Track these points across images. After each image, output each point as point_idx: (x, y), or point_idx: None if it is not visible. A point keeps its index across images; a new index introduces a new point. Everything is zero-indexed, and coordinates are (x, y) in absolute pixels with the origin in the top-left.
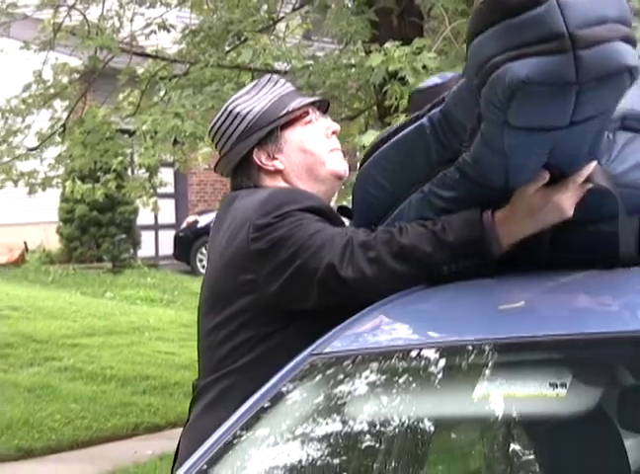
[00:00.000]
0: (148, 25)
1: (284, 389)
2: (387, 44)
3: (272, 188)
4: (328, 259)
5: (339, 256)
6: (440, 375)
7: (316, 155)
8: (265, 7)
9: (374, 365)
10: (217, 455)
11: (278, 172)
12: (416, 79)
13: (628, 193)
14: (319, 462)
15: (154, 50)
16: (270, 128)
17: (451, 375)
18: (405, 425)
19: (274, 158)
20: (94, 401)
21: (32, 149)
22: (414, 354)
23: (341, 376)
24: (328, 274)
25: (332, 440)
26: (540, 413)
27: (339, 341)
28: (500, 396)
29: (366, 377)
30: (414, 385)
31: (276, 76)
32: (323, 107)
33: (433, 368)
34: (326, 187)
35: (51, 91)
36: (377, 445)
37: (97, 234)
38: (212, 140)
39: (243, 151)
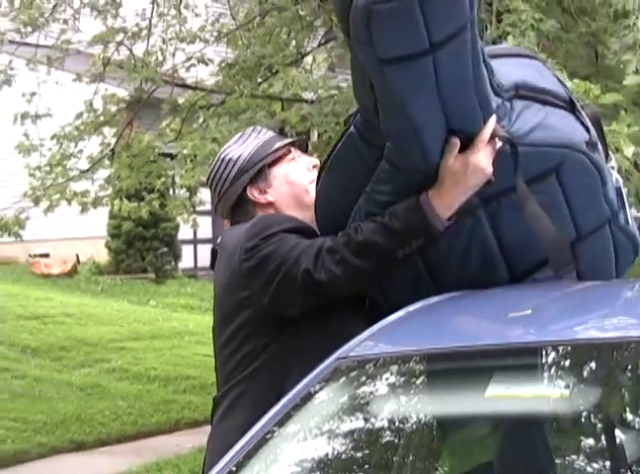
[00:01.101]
0: (188, 59)
1: (313, 390)
2: None
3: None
4: (304, 266)
5: (312, 263)
6: (454, 378)
7: (300, 185)
8: (293, 43)
9: (396, 368)
10: (252, 451)
11: (270, 204)
12: None
13: (529, 151)
14: (343, 456)
15: (194, 82)
16: (259, 167)
17: (465, 378)
18: (423, 424)
19: (265, 192)
20: (139, 399)
21: (84, 171)
22: (433, 358)
23: (364, 378)
24: (305, 279)
25: (355, 437)
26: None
27: (363, 345)
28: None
29: (388, 379)
30: (434, 387)
31: (259, 126)
32: (303, 146)
33: (450, 371)
34: (311, 212)
35: (101, 119)
36: (398, 442)
37: (142, 248)
38: (210, 187)
39: (238, 190)
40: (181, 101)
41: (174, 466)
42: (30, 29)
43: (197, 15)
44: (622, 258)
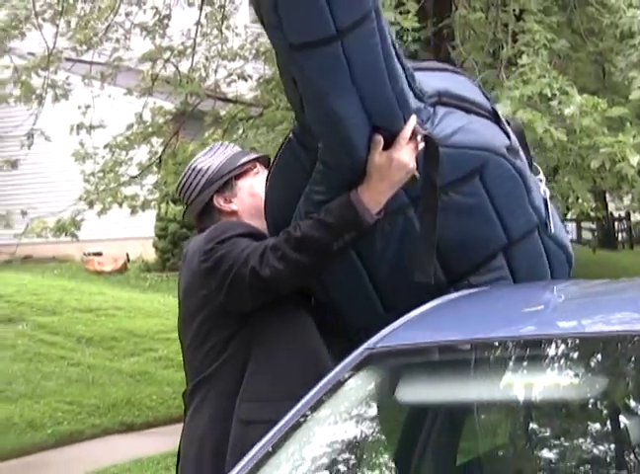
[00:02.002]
0: (230, 75)
1: (342, 378)
2: None
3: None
4: (251, 265)
5: (258, 261)
6: (474, 367)
7: (262, 197)
8: None
9: (420, 358)
10: (288, 433)
11: (233, 212)
12: None
13: (452, 153)
14: (370, 440)
15: (234, 96)
16: (226, 178)
17: (484, 367)
18: (445, 409)
19: (230, 202)
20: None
21: (133, 177)
22: (458, 348)
23: (391, 367)
24: (252, 277)
25: (382, 422)
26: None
27: (391, 337)
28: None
29: (413, 368)
30: (456, 375)
31: (226, 142)
32: (265, 162)
33: (469, 361)
34: None
35: (150, 130)
36: (422, 427)
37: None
38: (179, 194)
39: (205, 198)
40: (222, 113)
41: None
42: (85, 47)
43: (237, 35)
44: (557, 270)
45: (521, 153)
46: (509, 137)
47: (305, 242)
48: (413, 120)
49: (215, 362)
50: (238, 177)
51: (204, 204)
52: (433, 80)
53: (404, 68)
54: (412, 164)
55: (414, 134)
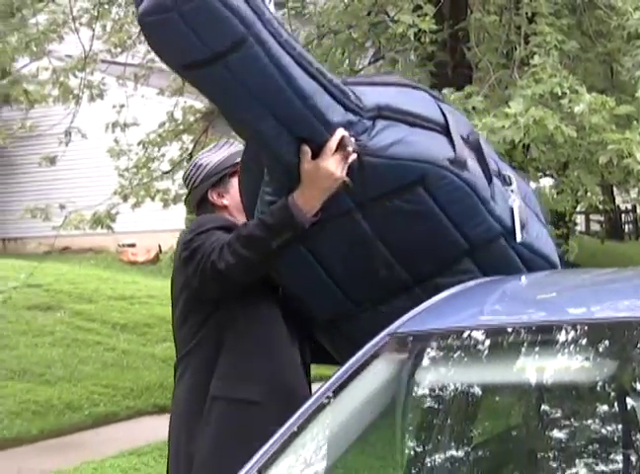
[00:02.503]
0: None
1: (364, 362)
2: (444, 90)
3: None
4: (212, 258)
5: (217, 255)
6: (490, 351)
7: None
8: (347, 62)
9: (439, 343)
10: (311, 415)
11: (224, 207)
12: (467, 118)
13: (390, 163)
14: (390, 421)
15: None
16: (222, 175)
17: (497, 352)
18: (463, 392)
19: (222, 197)
20: None
21: (166, 172)
22: (475, 333)
23: (411, 352)
24: (212, 269)
25: (402, 404)
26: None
27: (410, 322)
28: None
29: (432, 352)
30: (473, 359)
31: (232, 139)
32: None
33: (486, 345)
34: None
35: (181, 127)
36: (441, 409)
37: None
38: (185, 184)
39: (202, 191)
40: None
41: None
42: (119, 50)
43: None
44: None
45: (472, 165)
46: (454, 150)
47: (250, 240)
48: (339, 133)
49: (192, 341)
50: (232, 174)
51: (201, 197)
52: (377, 94)
53: (325, 85)
54: (339, 173)
55: (342, 145)
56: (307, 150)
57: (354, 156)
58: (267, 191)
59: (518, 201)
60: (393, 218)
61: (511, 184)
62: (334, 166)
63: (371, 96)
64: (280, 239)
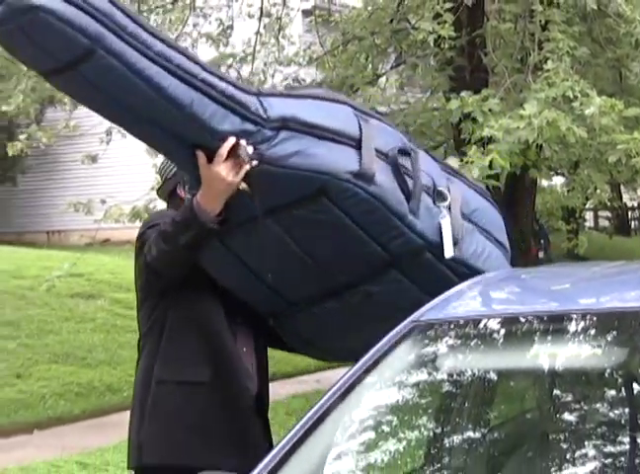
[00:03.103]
0: (285, 79)
1: (390, 348)
2: (463, 93)
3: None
4: (145, 251)
5: (148, 248)
6: (507, 338)
7: None
8: (370, 66)
9: (460, 330)
10: (339, 398)
11: None
12: (484, 119)
13: (290, 173)
14: (413, 402)
15: None
16: None
17: (514, 339)
18: (483, 376)
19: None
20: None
21: None
22: (492, 321)
23: (434, 338)
24: (145, 262)
25: (425, 387)
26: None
27: (433, 310)
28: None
29: (453, 339)
30: (492, 345)
31: None
32: None
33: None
34: None
35: None
36: (462, 392)
37: None
38: (160, 175)
39: (172, 184)
40: None
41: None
42: None
43: (292, 43)
44: None
45: (382, 179)
46: (361, 164)
47: (164, 235)
48: (230, 140)
49: (146, 326)
50: None
51: (170, 190)
52: (286, 106)
53: (211, 95)
54: (230, 178)
55: (234, 152)
56: (201, 155)
57: (253, 163)
58: (189, 187)
59: (448, 218)
60: (305, 226)
61: (445, 200)
62: (225, 171)
63: (279, 107)
64: (189, 235)
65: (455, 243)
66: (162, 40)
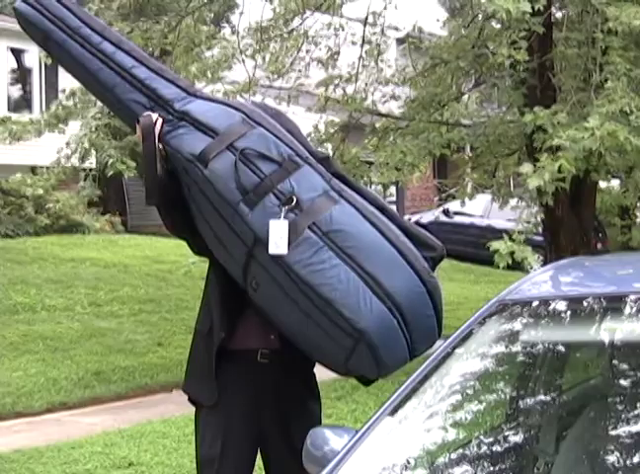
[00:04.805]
0: (383, 96)
1: (478, 324)
2: (535, 108)
3: None
4: None
5: None
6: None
7: None
8: (455, 85)
9: (542, 308)
10: (433, 369)
11: None
12: (553, 130)
13: (169, 150)
14: (497, 372)
15: (387, 112)
16: None
17: (592, 317)
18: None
19: None
20: None
21: None
22: (566, 301)
23: (518, 316)
24: None
25: (511, 360)
26: None
27: (518, 291)
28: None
29: (535, 316)
30: (570, 322)
31: None
32: None
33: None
34: None
35: (323, 137)
36: (542, 363)
37: None
38: None
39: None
40: (378, 125)
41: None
42: (276, 76)
43: (389, 66)
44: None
45: (218, 167)
46: (201, 150)
47: None
48: (146, 114)
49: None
50: None
51: None
52: (193, 105)
53: (135, 85)
54: (139, 138)
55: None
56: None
57: (155, 132)
58: None
59: (282, 221)
60: (194, 191)
61: (287, 204)
62: (138, 132)
63: (190, 106)
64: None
65: (289, 243)
66: (106, 39)
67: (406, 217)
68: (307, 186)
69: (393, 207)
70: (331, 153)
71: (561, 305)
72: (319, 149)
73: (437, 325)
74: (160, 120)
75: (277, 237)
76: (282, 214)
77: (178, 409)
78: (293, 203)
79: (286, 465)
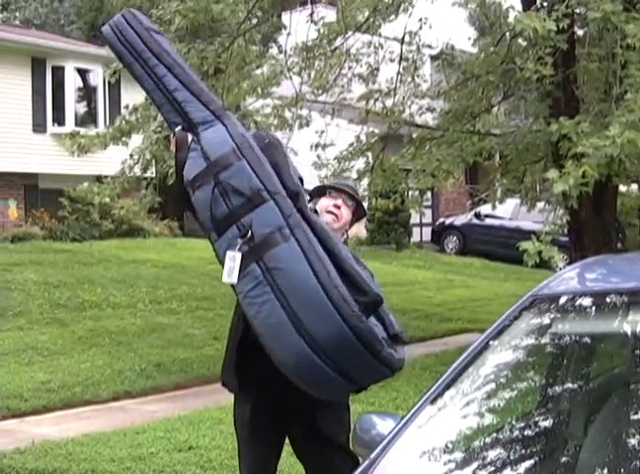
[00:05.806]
0: (420, 108)
1: (512, 318)
2: (560, 119)
3: None
4: None
5: None
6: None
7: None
8: (485, 98)
9: (573, 302)
10: (470, 360)
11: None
12: (577, 138)
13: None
14: (529, 362)
15: (423, 123)
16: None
17: (607, 310)
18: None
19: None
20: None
21: (354, 179)
22: (604, 296)
23: (551, 310)
24: None
25: (544, 351)
26: None
27: (550, 286)
28: None
29: (568, 310)
30: (604, 314)
31: None
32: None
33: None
34: None
35: (364, 147)
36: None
37: (388, 229)
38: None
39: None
40: (415, 135)
41: (409, 365)
42: (320, 91)
43: (425, 81)
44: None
45: (198, 194)
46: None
47: None
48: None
49: None
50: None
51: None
52: (209, 135)
53: (172, 104)
54: (172, 149)
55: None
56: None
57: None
58: None
59: (235, 253)
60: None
61: (244, 237)
62: (172, 144)
63: (205, 132)
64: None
65: (239, 273)
66: (161, 62)
67: (440, 220)
68: (264, 221)
69: (428, 210)
70: (371, 161)
71: (589, 300)
72: (350, 162)
73: (377, 361)
74: (190, 139)
75: (230, 267)
76: (238, 246)
77: (232, 397)
78: (248, 237)
79: (310, 446)
